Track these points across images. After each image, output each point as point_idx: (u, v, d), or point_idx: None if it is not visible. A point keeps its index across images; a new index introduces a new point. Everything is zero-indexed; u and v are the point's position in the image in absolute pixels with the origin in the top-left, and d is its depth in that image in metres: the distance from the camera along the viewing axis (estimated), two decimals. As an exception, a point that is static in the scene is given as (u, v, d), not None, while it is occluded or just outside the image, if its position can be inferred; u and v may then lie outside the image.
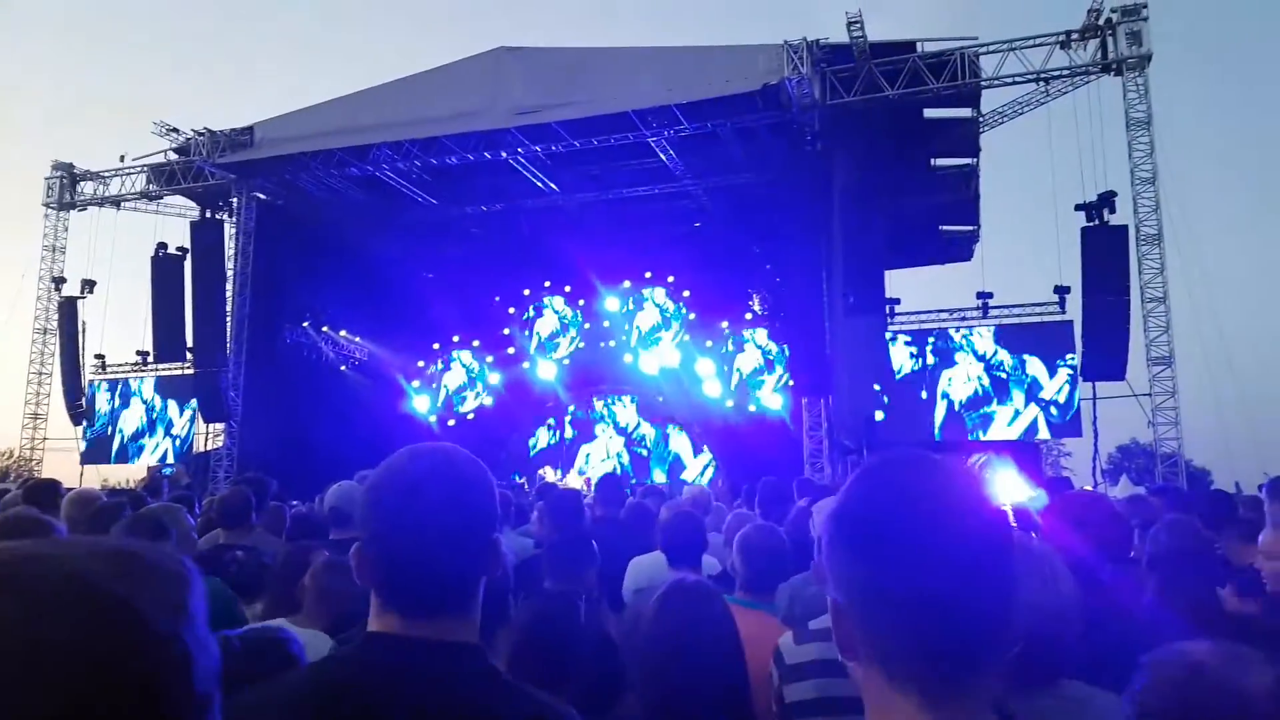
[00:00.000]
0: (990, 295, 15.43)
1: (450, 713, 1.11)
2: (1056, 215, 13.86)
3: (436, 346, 19.73)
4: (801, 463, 13.98)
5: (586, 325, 18.70)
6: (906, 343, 15.41)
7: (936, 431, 14.82)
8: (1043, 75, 13.40)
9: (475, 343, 19.44)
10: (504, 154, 14.93)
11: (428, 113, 14.65)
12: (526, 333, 19.32)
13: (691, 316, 18.00)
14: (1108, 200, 13.13)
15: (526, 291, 19.25)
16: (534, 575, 3.12)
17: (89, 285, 18.83)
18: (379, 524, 1.20)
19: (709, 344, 17.74)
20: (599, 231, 17.41)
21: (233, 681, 0.69)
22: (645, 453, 18.25)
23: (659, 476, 16.86)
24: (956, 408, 14.98)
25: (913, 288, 18.22)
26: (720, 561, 3.83)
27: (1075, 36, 13.21)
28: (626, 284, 18.31)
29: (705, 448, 17.86)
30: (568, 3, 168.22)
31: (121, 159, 18.31)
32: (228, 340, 16.55)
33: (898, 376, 14.89)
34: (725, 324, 17.76)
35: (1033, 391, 14.69)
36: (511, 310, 19.23)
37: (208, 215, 17.37)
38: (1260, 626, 2.70)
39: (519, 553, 3.95)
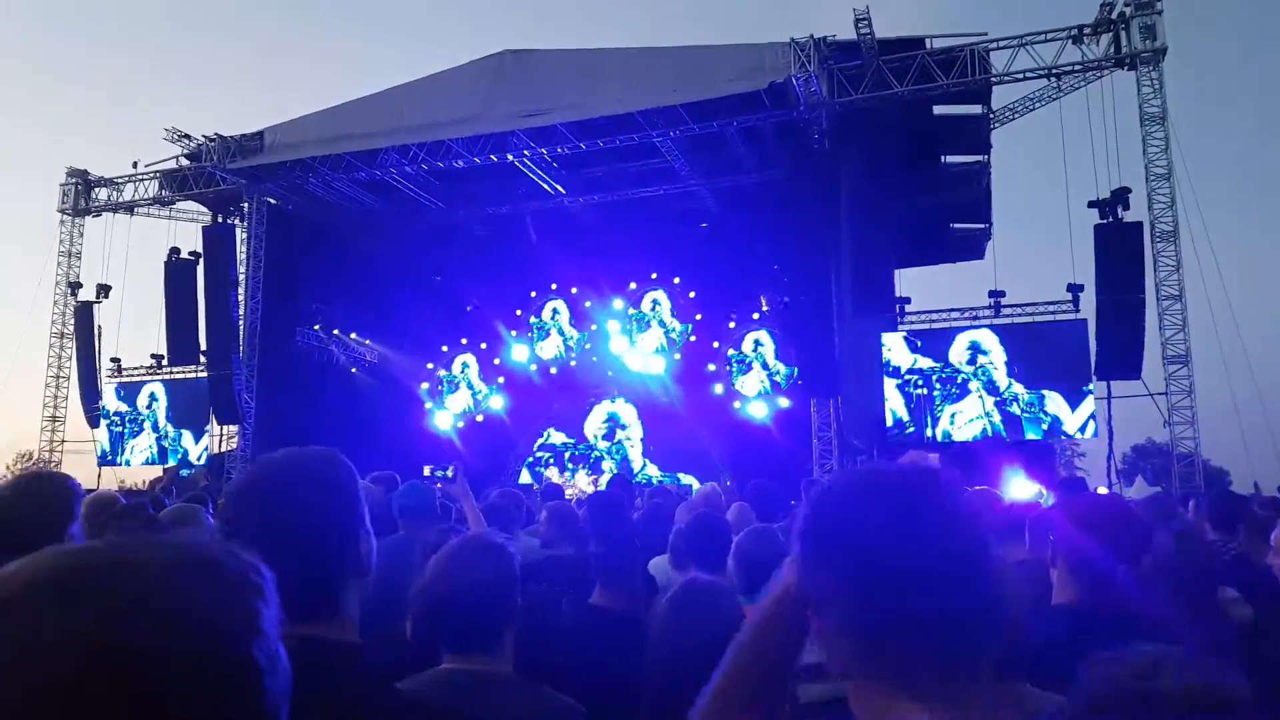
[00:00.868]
0: (1002, 294, 15.26)
1: (325, 711, 1.10)
2: (1069, 212, 13.70)
3: (445, 349, 19.80)
4: (811, 463, 13.90)
5: (593, 326, 18.66)
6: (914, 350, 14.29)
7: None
8: (1054, 70, 13.24)
9: (483, 345, 19.48)
10: (510, 156, 14.94)
11: (434, 116, 14.69)
12: (533, 334, 19.33)
13: (698, 316, 17.95)
14: (1122, 197, 12.95)
15: (533, 293, 19.28)
16: (540, 578, 3.08)
17: (104, 290, 19.03)
18: (233, 525, 1.23)
19: (715, 344, 17.70)
20: (605, 233, 17.40)
21: None
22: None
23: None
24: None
25: (923, 286, 18.07)
26: None
27: (1088, 31, 13.03)
28: (633, 285, 18.28)
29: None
30: (571, 6, 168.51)
31: (135, 165, 18.51)
32: (240, 343, 16.71)
33: (890, 422, 13.89)
34: (732, 323, 17.71)
35: (1053, 431, 13.72)
36: (519, 312, 19.25)
37: (219, 220, 17.51)
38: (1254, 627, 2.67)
39: (525, 554, 3.93)
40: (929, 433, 14.05)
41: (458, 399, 19.72)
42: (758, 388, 17.31)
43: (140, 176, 18.54)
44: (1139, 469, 27.21)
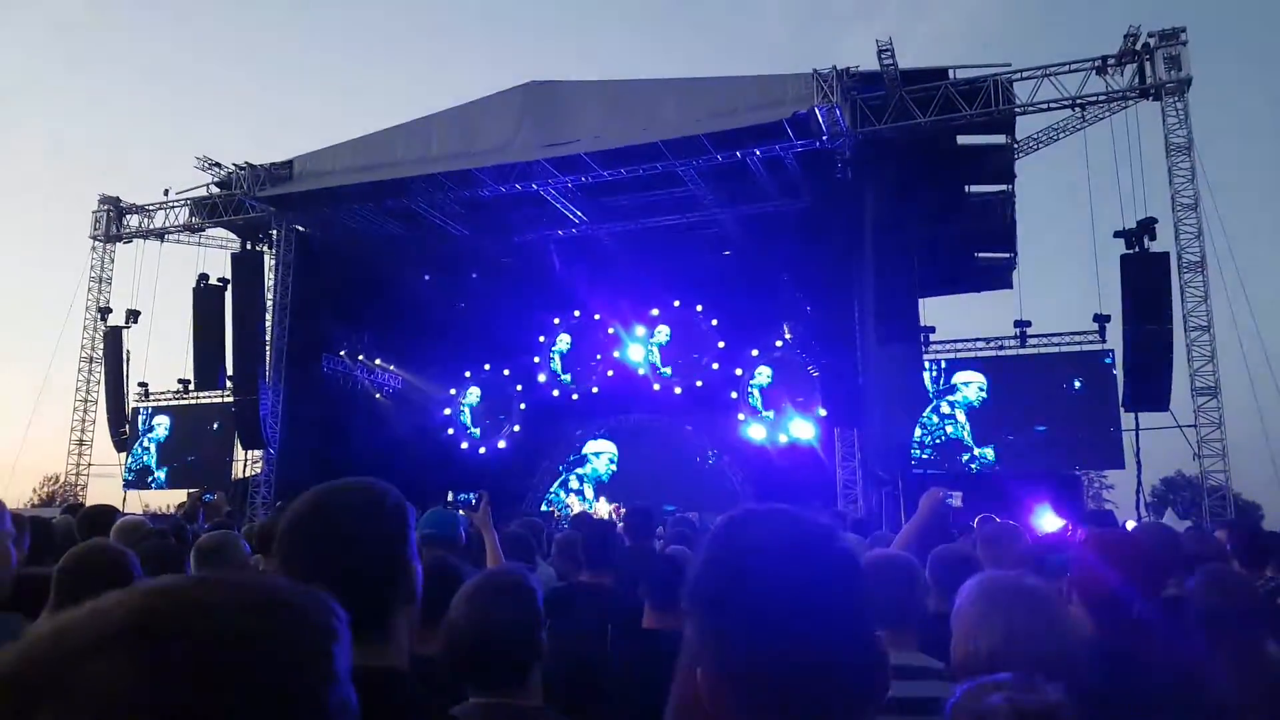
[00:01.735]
0: (1028, 324, 15.18)
1: None
2: (1095, 242, 13.63)
3: (468, 375, 19.88)
4: (835, 494, 13.77)
5: (616, 354, 18.68)
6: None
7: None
8: (1079, 101, 13.23)
9: (505, 371, 19.55)
10: (535, 185, 15.09)
11: (460, 146, 14.90)
12: (555, 361, 19.38)
13: (721, 345, 17.93)
14: (1148, 227, 12.86)
15: (556, 320, 19.35)
16: (559, 609, 3.06)
17: (133, 315, 19.33)
18: (285, 553, 1.27)
19: (738, 372, 17.64)
20: (628, 261, 17.48)
21: None
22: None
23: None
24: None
25: (949, 316, 17.98)
26: None
27: (1111, 61, 13.01)
28: (655, 312, 18.31)
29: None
30: (596, 38, 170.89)
31: (165, 193, 18.89)
32: (266, 368, 16.85)
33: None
34: (755, 352, 17.66)
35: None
36: (542, 339, 19.32)
37: (248, 247, 17.75)
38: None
39: (546, 583, 3.91)
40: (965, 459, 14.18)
41: (480, 425, 19.80)
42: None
43: (171, 204, 18.91)
44: (1168, 501, 26.70)
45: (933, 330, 15.19)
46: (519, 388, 19.44)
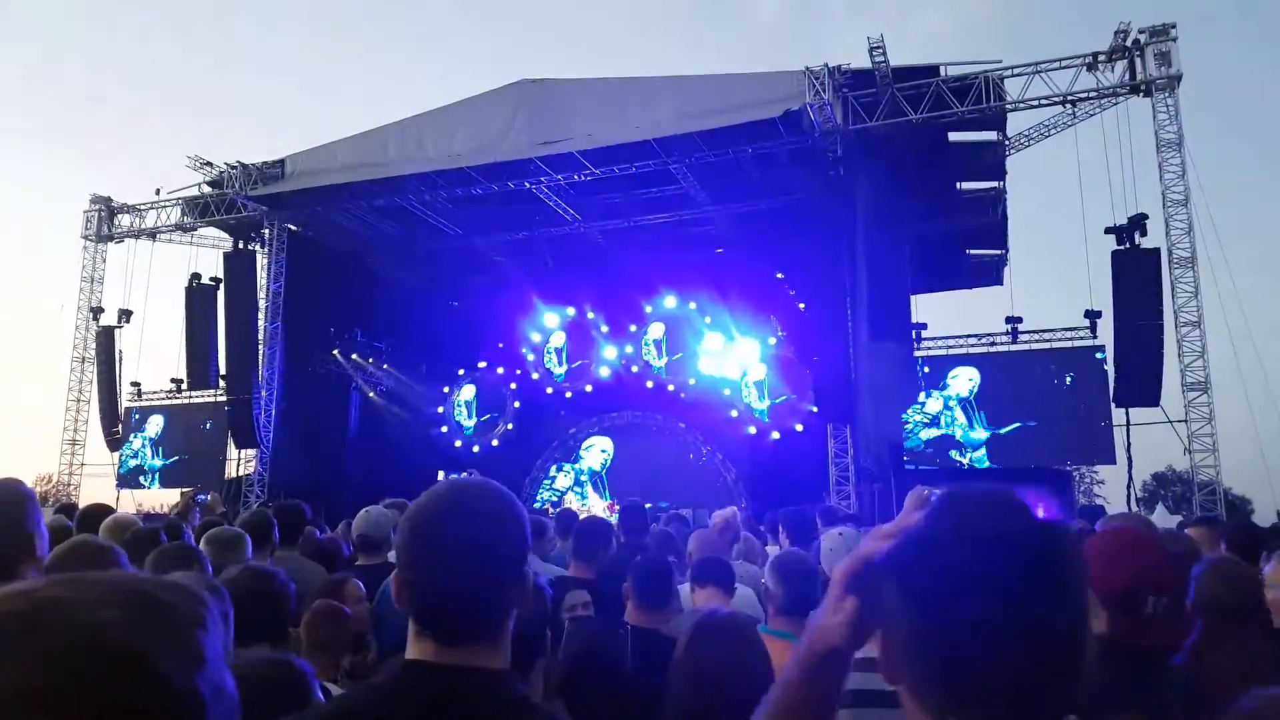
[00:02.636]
0: (1019, 320, 15.25)
1: None
2: (1086, 238, 13.68)
3: (461, 373, 19.87)
4: (827, 489, 13.83)
5: (609, 351, 18.68)
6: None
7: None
8: (1069, 97, 13.28)
9: (499, 370, 19.55)
10: (527, 183, 15.09)
11: (452, 144, 14.88)
12: (549, 359, 19.38)
13: (714, 342, 17.92)
14: (1139, 223, 12.93)
15: (549, 318, 19.36)
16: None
17: (126, 315, 19.28)
18: (419, 553, 1.24)
19: (732, 368, 17.65)
20: (621, 258, 17.48)
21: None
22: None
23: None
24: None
25: (941, 312, 18.04)
26: (757, 593, 3.72)
27: (1102, 58, 13.05)
28: (648, 309, 18.32)
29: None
30: (588, 36, 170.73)
31: (157, 192, 18.83)
32: (259, 368, 16.85)
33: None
34: (748, 349, 17.66)
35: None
36: (535, 337, 19.32)
37: (240, 246, 17.73)
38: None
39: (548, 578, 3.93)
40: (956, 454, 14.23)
41: (471, 424, 19.79)
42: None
43: (163, 203, 18.85)
44: (1159, 497, 26.83)
45: (924, 327, 15.22)
46: (512, 385, 19.43)
